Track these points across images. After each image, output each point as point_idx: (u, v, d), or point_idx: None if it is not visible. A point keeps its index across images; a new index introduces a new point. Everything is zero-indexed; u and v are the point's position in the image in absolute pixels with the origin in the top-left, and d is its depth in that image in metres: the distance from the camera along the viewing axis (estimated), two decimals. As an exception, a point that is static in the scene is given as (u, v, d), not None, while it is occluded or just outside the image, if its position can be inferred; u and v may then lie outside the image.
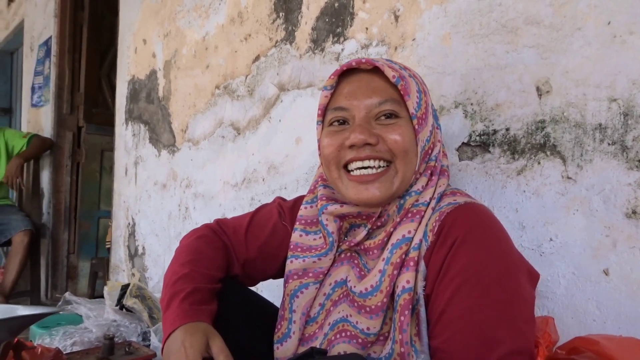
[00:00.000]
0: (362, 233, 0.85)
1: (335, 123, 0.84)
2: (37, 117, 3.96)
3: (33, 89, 4.03)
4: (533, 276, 0.76)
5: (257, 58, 1.76)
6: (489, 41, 1.05)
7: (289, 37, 1.61)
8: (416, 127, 0.80)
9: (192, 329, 0.78)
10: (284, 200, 1.05)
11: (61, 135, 3.62)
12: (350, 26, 1.39)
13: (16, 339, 1.33)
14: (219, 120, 1.98)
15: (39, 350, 1.40)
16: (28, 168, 3.43)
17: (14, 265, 2.89)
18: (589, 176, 0.89)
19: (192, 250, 0.94)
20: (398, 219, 0.81)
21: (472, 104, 1.08)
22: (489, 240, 0.74)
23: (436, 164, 0.86)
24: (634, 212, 0.83)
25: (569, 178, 0.92)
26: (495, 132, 1.04)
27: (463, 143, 1.10)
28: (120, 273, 2.78)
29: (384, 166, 0.80)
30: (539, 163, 0.96)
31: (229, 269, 0.97)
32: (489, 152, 1.05)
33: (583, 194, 0.90)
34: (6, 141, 3.26)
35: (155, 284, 2.32)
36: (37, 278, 3.32)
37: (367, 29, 1.34)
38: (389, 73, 0.80)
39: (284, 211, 1.00)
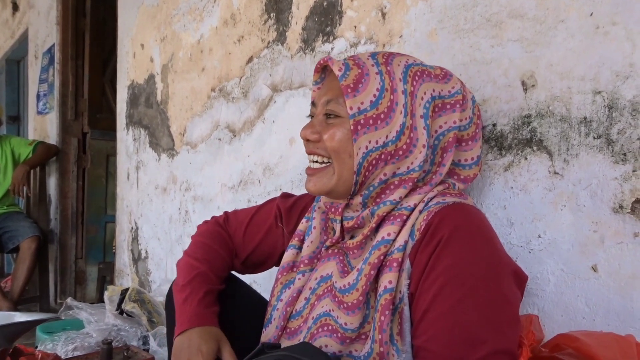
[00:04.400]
0: (337, 227, 0.88)
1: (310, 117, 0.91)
2: (43, 124, 4.01)
3: (38, 97, 4.07)
4: (520, 278, 0.75)
5: (250, 59, 1.76)
6: (474, 36, 1.04)
7: (281, 38, 1.61)
8: (352, 127, 0.79)
9: (207, 334, 0.87)
10: (285, 198, 1.07)
11: (66, 141, 3.65)
12: (339, 25, 1.38)
13: (15, 345, 1.35)
14: (215, 123, 1.98)
15: (39, 355, 1.42)
16: (34, 175, 3.46)
17: (22, 272, 2.92)
18: (576, 171, 0.87)
19: (208, 249, 1.02)
20: (374, 224, 0.82)
21: (459, 100, 1.07)
22: (474, 240, 0.73)
23: (432, 176, 0.84)
24: (621, 207, 0.81)
25: (555, 173, 0.90)
26: (482, 128, 1.02)
27: (451, 140, 1.08)
28: (125, 277, 2.80)
29: (327, 162, 0.84)
30: (526, 158, 0.95)
31: (232, 265, 1.06)
32: (477, 148, 1.03)
33: (570, 189, 0.88)
34: (12, 149, 3.30)
35: (158, 287, 2.33)
36: (45, 284, 3.35)
37: (355, 27, 1.33)
38: (336, 71, 0.80)
39: (282, 212, 1.04)
